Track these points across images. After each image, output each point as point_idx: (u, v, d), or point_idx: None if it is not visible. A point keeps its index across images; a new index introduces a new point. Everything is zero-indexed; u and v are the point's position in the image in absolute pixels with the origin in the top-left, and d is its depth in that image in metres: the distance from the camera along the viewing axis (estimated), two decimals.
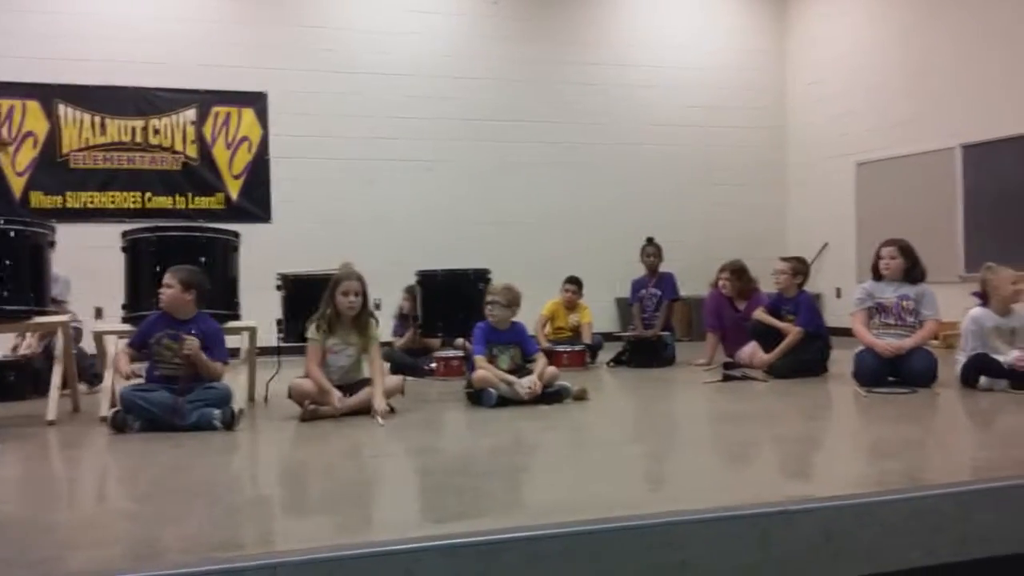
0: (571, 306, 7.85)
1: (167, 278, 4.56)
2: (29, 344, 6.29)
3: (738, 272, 7.23)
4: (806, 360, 6.26)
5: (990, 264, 5.45)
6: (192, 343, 4.46)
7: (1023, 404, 4.66)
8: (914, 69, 9.80)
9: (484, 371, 5.09)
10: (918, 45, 9.79)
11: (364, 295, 4.94)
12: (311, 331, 4.88)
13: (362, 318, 4.93)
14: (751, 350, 6.65)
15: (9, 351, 6.33)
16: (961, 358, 5.32)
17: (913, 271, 5.71)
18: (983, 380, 5.10)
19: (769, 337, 6.45)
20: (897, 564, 2.54)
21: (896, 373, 5.47)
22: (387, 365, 6.62)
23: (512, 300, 5.34)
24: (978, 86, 9.04)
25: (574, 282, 7.86)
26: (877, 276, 5.77)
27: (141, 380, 4.57)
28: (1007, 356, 5.11)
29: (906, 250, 5.73)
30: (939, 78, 9.49)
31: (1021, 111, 8.55)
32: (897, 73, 10.01)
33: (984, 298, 5.35)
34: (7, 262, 4.67)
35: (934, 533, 2.57)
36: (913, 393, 5.13)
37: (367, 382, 4.85)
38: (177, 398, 4.33)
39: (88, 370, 6.04)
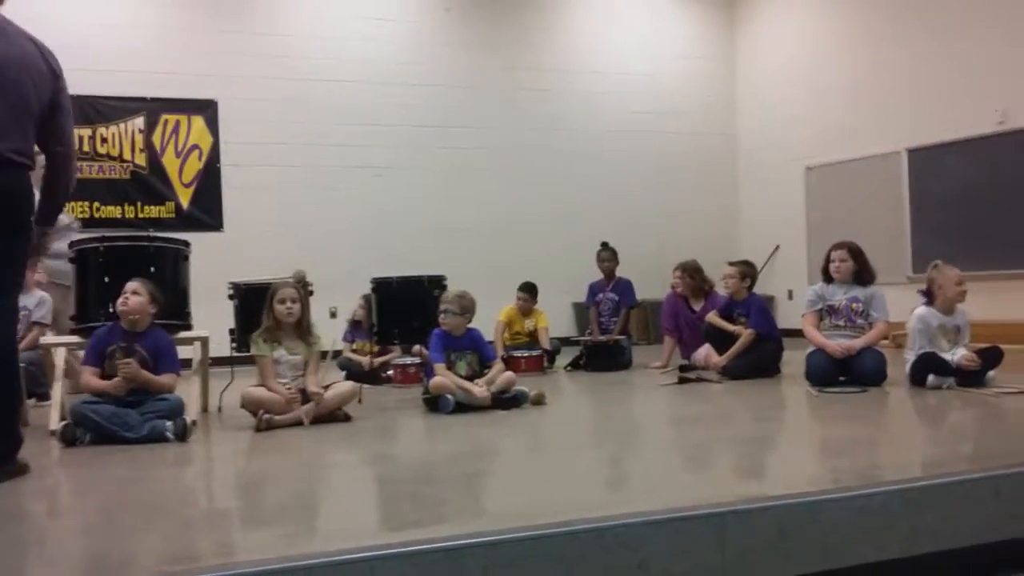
0: (526, 312, 7.84)
1: (135, 285, 4.46)
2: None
3: (691, 271, 7.30)
4: (759, 361, 6.34)
5: (937, 262, 5.53)
6: (130, 370, 4.32)
7: (970, 401, 4.76)
8: (860, 75, 10.00)
9: (441, 377, 5.08)
10: (864, 51, 9.99)
11: (303, 302, 4.90)
12: (255, 346, 4.84)
13: (303, 325, 4.90)
14: (705, 352, 6.71)
15: None
16: (910, 357, 5.42)
17: (863, 273, 5.81)
18: (931, 378, 5.18)
19: (722, 339, 6.52)
20: (850, 560, 2.58)
21: (847, 373, 5.56)
22: (342, 373, 6.59)
23: (465, 307, 5.32)
24: (922, 92, 9.25)
25: (526, 289, 7.83)
26: (827, 278, 5.87)
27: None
28: (954, 355, 5.21)
29: (856, 253, 5.83)
30: (885, 84, 9.70)
31: (964, 116, 8.77)
32: (844, 79, 10.21)
33: (929, 296, 5.46)
34: None
35: (884, 529, 2.62)
36: (864, 392, 5.21)
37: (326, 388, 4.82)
38: (128, 409, 4.26)
39: (39, 387, 5.91)
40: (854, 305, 5.74)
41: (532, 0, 10.96)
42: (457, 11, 10.58)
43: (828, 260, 5.88)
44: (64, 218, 5.97)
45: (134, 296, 4.44)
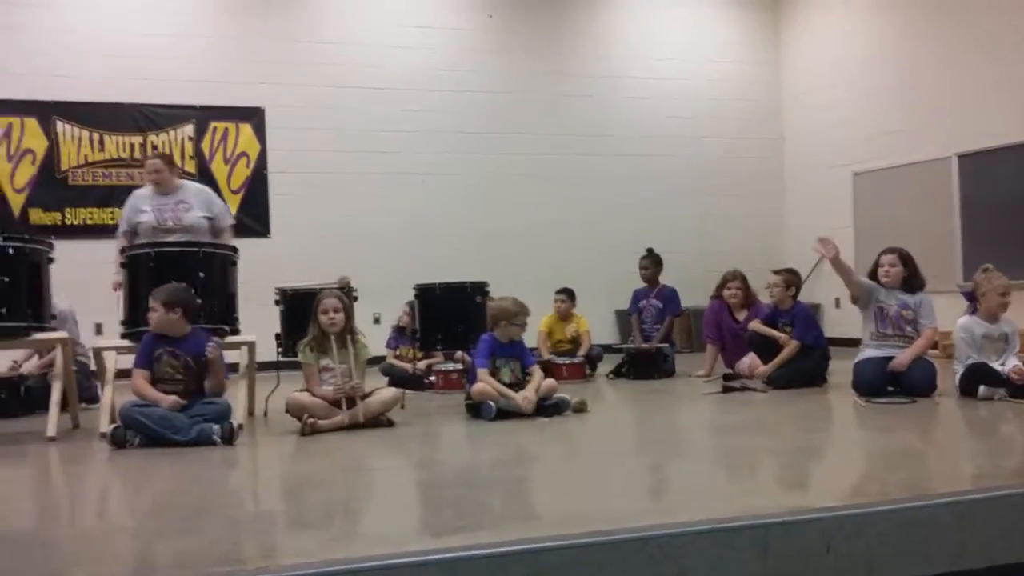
0: (565, 317, 7.82)
1: (150, 302, 4.57)
2: (38, 364, 6.27)
3: (744, 279, 7.25)
4: (805, 370, 6.24)
5: (987, 266, 5.40)
6: (214, 348, 4.53)
7: (1021, 413, 4.65)
8: (908, 79, 9.83)
9: (483, 384, 5.09)
10: (911, 55, 9.83)
11: (346, 310, 4.94)
12: (302, 355, 4.90)
13: (347, 332, 4.94)
14: (750, 361, 6.63)
15: (7, 369, 6.32)
16: (958, 368, 5.31)
17: (912, 280, 5.70)
18: (982, 389, 5.07)
19: (766, 348, 6.44)
20: (896, 574, 2.54)
21: (895, 383, 5.46)
22: (385, 380, 6.63)
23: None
24: (972, 95, 9.07)
25: (564, 292, 7.85)
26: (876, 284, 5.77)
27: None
28: (1004, 365, 5.10)
29: (906, 259, 5.72)
30: (933, 87, 9.52)
31: (1015, 120, 8.58)
32: (891, 83, 10.05)
33: (973, 299, 5.34)
34: (5, 279, 4.66)
35: (932, 543, 2.57)
36: (913, 403, 5.12)
37: (366, 396, 4.85)
38: (176, 413, 4.34)
39: (87, 390, 6.05)
40: (904, 312, 5.64)
41: (573, 6, 10.95)
42: (499, 18, 10.61)
43: (877, 264, 5.78)
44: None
45: (151, 313, 4.56)
